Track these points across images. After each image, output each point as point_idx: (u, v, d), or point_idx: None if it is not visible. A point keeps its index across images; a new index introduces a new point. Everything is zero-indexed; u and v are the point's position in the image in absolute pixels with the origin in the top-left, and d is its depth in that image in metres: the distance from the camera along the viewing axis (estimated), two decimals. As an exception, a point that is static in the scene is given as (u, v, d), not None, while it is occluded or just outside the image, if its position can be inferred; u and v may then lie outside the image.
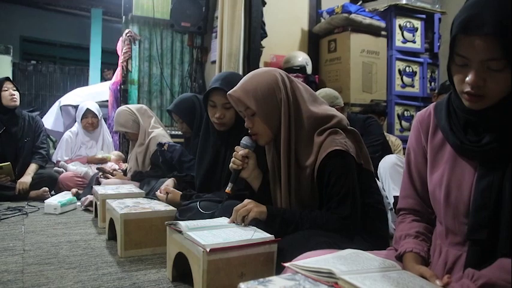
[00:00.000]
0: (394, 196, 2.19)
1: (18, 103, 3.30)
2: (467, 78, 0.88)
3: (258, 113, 1.44)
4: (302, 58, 3.75)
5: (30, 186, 3.16)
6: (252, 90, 1.43)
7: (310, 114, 1.43)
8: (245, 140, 1.56)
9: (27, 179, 3.17)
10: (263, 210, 1.39)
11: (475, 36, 0.84)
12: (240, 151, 1.55)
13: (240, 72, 3.39)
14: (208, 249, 1.23)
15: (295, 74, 3.56)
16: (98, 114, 3.80)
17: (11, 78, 3.42)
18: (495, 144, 0.89)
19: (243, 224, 1.41)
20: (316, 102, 1.49)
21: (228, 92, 1.51)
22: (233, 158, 1.55)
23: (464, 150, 0.95)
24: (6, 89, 3.24)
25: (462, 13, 0.87)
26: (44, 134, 3.57)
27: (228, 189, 1.55)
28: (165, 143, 2.67)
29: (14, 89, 3.29)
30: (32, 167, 3.28)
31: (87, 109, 3.75)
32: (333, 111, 1.49)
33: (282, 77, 1.47)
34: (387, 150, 2.79)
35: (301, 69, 3.70)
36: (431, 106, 1.09)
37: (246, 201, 1.44)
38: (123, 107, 3.12)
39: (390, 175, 2.24)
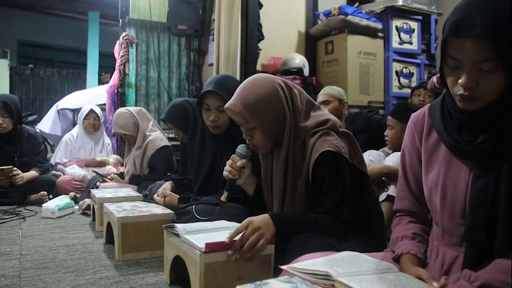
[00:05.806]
0: None
1: (7, 130, 3.15)
2: (459, 80, 0.88)
3: (259, 127, 1.41)
4: (299, 60, 3.76)
5: (28, 190, 3.14)
6: (252, 105, 1.39)
7: (308, 122, 1.42)
8: (241, 149, 1.53)
9: (25, 176, 3.10)
10: (273, 231, 1.29)
11: (466, 38, 0.84)
12: (237, 162, 1.52)
13: (238, 75, 3.40)
14: (204, 245, 1.23)
15: (292, 76, 3.57)
16: (100, 117, 3.82)
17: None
18: (490, 144, 0.89)
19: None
20: (312, 109, 1.47)
21: (226, 106, 1.46)
22: (229, 168, 1.52)
23: (459, 150, 0.95)
24: None
25: (453, 15, 0.88)
26: (44, 152, 3.53)
27: (223, 198, 1.53)
28: None
29: (6, 116, 3.12)
30: (33, 173, 3.21)
31: (91, 110, 3.76)
32: (328, 115, 1.47)
33: (282, 88, 1.43)
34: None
35: (299, 71, 3.70)
36: (425, 107, 1.09)
37: (250, 224, 1.28)
38: (122, 109, 3.11)
39: None
